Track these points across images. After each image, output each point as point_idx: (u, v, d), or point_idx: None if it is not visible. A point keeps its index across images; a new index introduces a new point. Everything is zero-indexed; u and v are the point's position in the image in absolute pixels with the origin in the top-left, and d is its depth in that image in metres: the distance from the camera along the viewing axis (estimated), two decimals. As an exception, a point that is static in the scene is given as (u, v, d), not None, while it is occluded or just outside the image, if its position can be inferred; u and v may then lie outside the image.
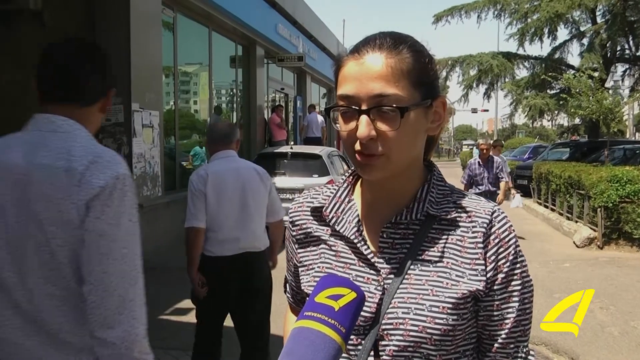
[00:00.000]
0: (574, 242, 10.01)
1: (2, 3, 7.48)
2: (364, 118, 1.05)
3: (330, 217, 1.19)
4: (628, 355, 4.91)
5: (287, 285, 1.40)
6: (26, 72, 8.95)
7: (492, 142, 10.58)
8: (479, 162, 9.20)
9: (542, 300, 5.18)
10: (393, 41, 1.09)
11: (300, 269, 1.25)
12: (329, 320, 0.92)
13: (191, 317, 5.76)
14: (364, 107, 1.05)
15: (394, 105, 1.05)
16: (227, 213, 3.44)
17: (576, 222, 11.12)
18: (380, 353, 1.08)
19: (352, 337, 1.10)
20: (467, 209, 1.13)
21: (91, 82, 1.68)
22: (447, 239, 1.12)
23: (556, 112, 23.69)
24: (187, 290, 6.49)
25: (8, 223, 1.51)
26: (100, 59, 1.79)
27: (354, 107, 1.07)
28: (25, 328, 1.52)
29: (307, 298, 1.00)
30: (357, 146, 1.07)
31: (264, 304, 3.60)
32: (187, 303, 6.16)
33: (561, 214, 12.29)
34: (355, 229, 1.16)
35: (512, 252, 1.11)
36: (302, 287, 1.24)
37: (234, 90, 14.17)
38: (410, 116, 1.06)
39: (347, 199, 1.21)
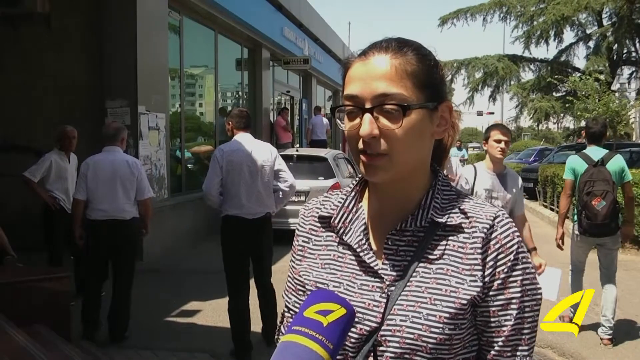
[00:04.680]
0: (580, 245, 9.96)
1: (10, 7, 7.53)
2: (367, 116, 1.06)
3: (338, 227, 1.20)
4: (634, 358, 4.89)
5: (285, 318, 1.30)
6: (33, 74, 9.03)
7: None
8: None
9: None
10: (399, 44, 1.11)
11: (302, 274, 1.23)
12: (317, 335, 0.91)
13: (197, 319, 5.78)
14: (367, 106, 1.07)
15: (396, 103, 1.06)
16: (101, 190, 4.95)
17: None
18: (379, 358, 1.09)
19: (355, 343, 1.10)
20: (470, 215, 1.12)
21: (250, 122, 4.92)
22: (449, 245, 1.11)
23: (562, 114, 23.60)
24: (193, 292, 6.54)
25: (251, 169, 4.60)
26: (247, 117, 4.89)
27: (358, 106, 1.09)
28: (251, 199, 4.62)
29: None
30: (361, 145, 1.08)
31: (126, 258, 5.09)
32: (193, 305, 6.18)
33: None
34: (361, 237, 1.16)
35: (512, 258, 1.09)
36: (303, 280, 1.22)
37: (240, 93, 14.20)
38: (412, 116, 1.07)
39: (354, 208, 1.21)
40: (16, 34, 8.39)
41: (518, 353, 1.10)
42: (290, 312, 1.27)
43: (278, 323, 1.33)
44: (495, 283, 1.08)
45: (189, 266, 8.15)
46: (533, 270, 1.12)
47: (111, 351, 4.73)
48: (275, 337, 1.33)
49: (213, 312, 5.96)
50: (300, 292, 1.23)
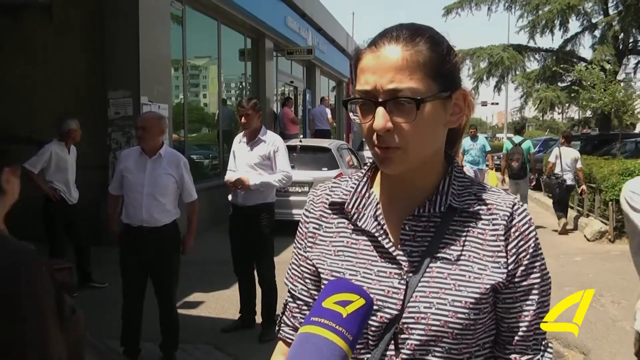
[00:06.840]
0: (585, 236, 9.93)
1: (12, -3, 7.49)
2: (380, 110, 1.05)
3: (352, 213, 1.18)
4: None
5: (288, 307, 1.27)
6: (36, 65, 8.97)
7: None
8: None
9: (552, 293, 5.23)
10: (410, 33, 1.08)
11: (315, 261, 1.20)
12: (336, 327, 0.91)
13: (201, 311, 5.77)
14: (380, 99, 1.05)
15: (410, 97, 1.04)
16: None
17: (587, 215, 11.03)
18: (400, 346, 1.08)
19: (376, 331, 1.09)
20: (487, 202, 1.13)
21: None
22: (468, 231, 1.11)
23: (567, 104, 23.49)
24: (196, 284, 6.52)
25: None
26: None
27: (371, 99, 1.07)
28: None
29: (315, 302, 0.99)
30: (375, 138, 1.07)
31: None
32: (195, 296, 6.17)
33: (572, 208, 12.20)
34: (376, 222, 1.15)
35: (532, 245, 1.12)
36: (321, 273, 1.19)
37: (243, 84, 14.14)
38: (426, 108, 1.06)
39: (367, 194, 1.20)
40: (18, 26, 8.35)
41: (537, 336, 1.14)
42: (297, 301, 1.24)
43: (280, 314, 1.30)
44: (519, 270, 1.11)
45: (192, 257, 8.12)
46: (544, 256, 1.16)
47: (114, 344, 4.71)
48: (277, 328, 1.30)
49: (216, 304, 5.95)
50: (308, 280, 1.22)
